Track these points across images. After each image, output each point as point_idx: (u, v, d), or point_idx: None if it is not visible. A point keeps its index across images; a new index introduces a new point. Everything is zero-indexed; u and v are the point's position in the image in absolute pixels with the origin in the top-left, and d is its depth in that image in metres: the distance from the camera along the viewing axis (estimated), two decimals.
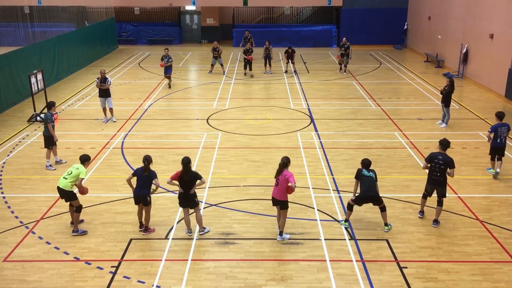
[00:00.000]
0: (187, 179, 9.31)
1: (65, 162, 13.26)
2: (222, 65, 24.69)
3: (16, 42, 25.50)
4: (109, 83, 16.72)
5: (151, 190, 9.59)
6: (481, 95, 20.43)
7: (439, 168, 9.88)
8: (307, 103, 19.22)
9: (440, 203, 10.02)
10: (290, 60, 24.70)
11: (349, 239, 9.57)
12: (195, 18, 36.62)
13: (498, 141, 12.27)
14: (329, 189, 11.73)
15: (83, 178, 9.57)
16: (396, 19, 33.14)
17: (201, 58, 29.65)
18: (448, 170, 9.85)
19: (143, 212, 9.74)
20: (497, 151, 12.35)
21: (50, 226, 10.05)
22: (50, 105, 13.05)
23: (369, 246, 9.34)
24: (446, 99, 15.99)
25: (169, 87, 21.62)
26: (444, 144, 10.12)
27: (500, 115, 12.37)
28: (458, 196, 11.36)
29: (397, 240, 9.54)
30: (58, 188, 9.58)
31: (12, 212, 10.68)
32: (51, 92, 20.29)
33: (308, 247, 9.30)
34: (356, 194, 9.88)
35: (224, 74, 24.53)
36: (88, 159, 9.93)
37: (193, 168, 12.87)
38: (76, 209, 9.72)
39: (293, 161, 13.27)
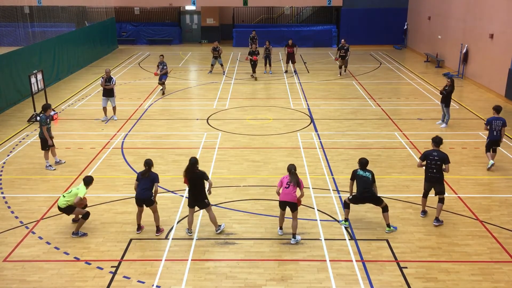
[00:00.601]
0: (189, 178, 9.32)
1: (64, 162, 13.26)
2: (222, 65, 24.68)
3: (16, 42, 25.46)
4: (114, 82, 16.78)
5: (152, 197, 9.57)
6: (481, 95, 20.43)
7: (435, 165, 9.92)
8: (307, 103, 19.22)
9: (440, 200, 10.00)
10: (290, 60, 24.69)
11: (349, 239, 9.57)
12: (195, 18, 36.62)
13: (494, 134, 12.69)
14: (329, 189, 11.73)
15: (80, 197, 9.48)
16: (396, 19, 33.14)
17: (201, 58, 29.65)
18: (444, 166, 9.89)
19: (153, 213, 9.70)
20: (493, 144, 12.80)
21: (50, 226, 10.06)
22: (46, 108, 12.97)
23: (369, 246, 9.34)
24: (446, 99, 15.99)
25: (163, 93, 20.60)
26: (437, 141, 10.18)
27: (497, 109, 12.83)
28: (458, 196, 11.36)
29: (397, 240, 9.54)
30: (59, 207, 9.70)
31: (12, 212, 10.68)
32: (51, 92, 20.29)
33: (308, 247, 9.30)
34: (353, 194, 9.89)
35: (224, 74, 24.53)
36: (91, 181, 9.81)
37: None
38: (83, 216, 9.73)
39: (293, 161, 13.30)
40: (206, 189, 9.58)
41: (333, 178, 12.32)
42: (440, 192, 10.00)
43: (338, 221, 10.17)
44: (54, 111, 17.65)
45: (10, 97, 18.80)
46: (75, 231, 9.74)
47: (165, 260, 8.92)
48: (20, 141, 15.09)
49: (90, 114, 17.82)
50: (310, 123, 16.73)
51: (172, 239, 9.61)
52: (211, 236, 9.68)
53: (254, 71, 23.55)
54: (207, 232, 9.83)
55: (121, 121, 17.01)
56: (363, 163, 9.80)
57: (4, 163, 13.43)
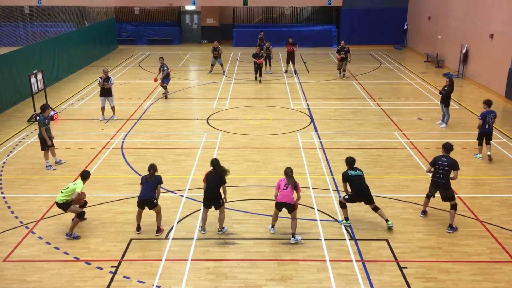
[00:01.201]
0: (216, 179, 9.38)
1: (64, 162, 13.26)
2: (222, 65, 24.68)
3: (16, 42, 25.47)
4: (112, 82, 16.79)
5: (155, 199, 9.58)
6: (481, 95, 20.41)
7: (442, 170, 9.84)
8: (307, 103, 19.22)
9: (453, 207, 9.86)
10: (290, 60, 24.68)
11: (349, 239, 9.57)
12: (195, 18, 36.62)
13: (487, 127, 13.27)
14: (329, 189, 11.73)
15: (78, 192, 9.49)
16: (396, 19, 33.14)
17: (201, 58, 29.65)
18: (452, 173, 9.82)
19: (156, 214, 9.68)
20: (486, 136, 13.39)
21: (50, 226, 10.05)
22: (44, 108, 12.91)
23: (369, 246, 9.34)
24: (446, 99, 15.98)
25: (166, 97, 19.85)
26: (448, 147, 10.11)
27: (488, 103, 13.42)
28: (458, 196, 11.35)
29: (397, 240, 9.54)
30: (56, 204, 9.60)
31: (12, 212, 10.68)
32: (51, 92, 20.29)
33: (308, 247, 9.30)
34: (349, 193, 9.90)
35: (224, 74, 24.53)
36: (88, 176, 9.85)
37: (194, 168, 12.88)
38: (78, 215, 9.71)
39: (293, 161, 13.32)
40: (222, 196, 9.62)
41: (333, 178, 12.32)
42: (449, 198, 9.88)
43: (339, 221, 10.17)
44: (54, 110, 17.67)
45: (10, 97, 18.80)
46: (68, 232, 9.65)
47: (165, 260, 8.92)
48: (20, 141, 15.09)
49: (90, 114, 17.82)
50: (310, 123, 16.73)
51: (172, 239, 9.60)
52: (211, 236, 9.68)
53: (260, 74, 22.75)
54: (208, 232, 9.83)
55: (121, 121, 17.01)
56: (351, 162, 9.91)
57: (4, 163, 13.43)
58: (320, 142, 14.89)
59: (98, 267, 8.70)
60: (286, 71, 25.09)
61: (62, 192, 9.55)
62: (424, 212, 10.49)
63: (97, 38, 29.10)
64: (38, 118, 12.92)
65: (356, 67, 26.27)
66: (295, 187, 9.31)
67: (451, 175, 9.86)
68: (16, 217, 10.44)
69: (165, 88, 19.83)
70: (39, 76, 17.47)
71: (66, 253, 9.12)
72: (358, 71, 25.35)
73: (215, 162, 9.51)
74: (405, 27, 32.89)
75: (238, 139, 15.19)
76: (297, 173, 12.49)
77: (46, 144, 12.79)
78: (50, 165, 12.93)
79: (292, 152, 14.08)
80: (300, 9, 37.34)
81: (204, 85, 22.56)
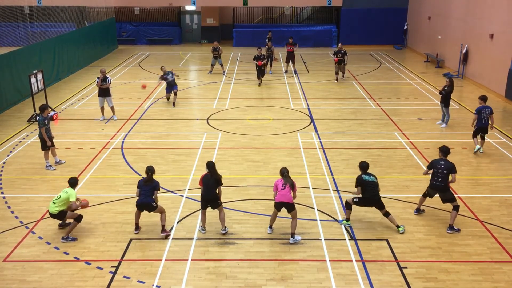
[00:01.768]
0: (212, 181, 9.38)
1: (64, 162, 13.26)
2: (222, 65, 24.69)
3: (16, 42, 25.46)
4: (109, 82, 16.79)
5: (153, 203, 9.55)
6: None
7: (441, 174, 9.84)
8: (307, 103, 19.22)
9: (455, 208, 9.84)
10: (290, 60, 24.68)
11: (349, 239, 9.57)
12: (195, 18, 36.62)
13: (483, 122, 13.73)
14: (329, 189, 11.73)
15: (73, 201, 9.40)
16: (396, 19, 33.14)
17: (201, 58, 29.65)
18: (450, 176, 9.82)
19: (160, 214, 9.68)
20: (482, 131, 13.83)
21: (50, 226, 10.05)
22: (43, 109, 12.86)
23: (369, 246, 9.34)
24: (446, 99, 15.98)
25: (173, 105, 18.77)
26: (445, 150, 10.11)
27: (484, 98, 13.93)
28: (458, 196, 11.34)
29: (397, 240, 9.54)
30: (50, 214, 9.51)
31: (12, 212, 10.68)
32: (51, 92, 20.29)
33: (308, 247, 9.30)
34: (359, 197, 9.79)
35: (224, 74, 24.53)
36: (76, 182, 9.75)
37: (194, 168, 12.89)
38: (76, 219, 9.62)
39: (293, 161, 13.33)
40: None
41: (333, 178, 12.32)
42: (449, 200, 9.89)
43: (338, 221, 10.16)
44: (54, 111, 17.67)
45: (10, 97, 18.80)
46: (65, 235, 9.51)
47: (165, 260, 8.92)
48: (20, 141, 15.09)
49: (90, 114, 17.82)
50: (310, 123, 16.73)
51: (172, 239, 9.60)
52: (211, 236, 9.68)
53: (258, 77, 22.10)
54: (208, 232, 9.82)
55: (121, 121, 17.01)
56: (365, 167, 9.80)
57: (4, 163, 13.43)
58: (320, 142, 14.89)
59: (98, 267, 8.70)
60: (286, 71, 25.09)
61: (54, 203, 9.39)
62: (418, 210, 10.50)
63: (97, 38, 29.10)
64: (37, 118, 12.92)
65: (356, 67, 26.27)
66: (292, 186, 9.34)
67: (450, 178, 9.85)
68: (16, 217, 10.44)
69: (175, 94, 18.92)
70: (39, 76, 17.46)
71: (66, 253, 9.12)
72: (358, 71, 25.35)
73: (210, 165, 9.49)
74: (405, 27, 32.89)
75: (238, 139, 15.19)
76: (297, 173, 12.51)
77: (46, 144, 12.78)
78: (50, 165, 12.93)
79: (292, 152, 14.08)
80: (300, 9, 37.35)
81: (204, 85, 22.56)
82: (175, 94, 18.96)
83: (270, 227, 9.85)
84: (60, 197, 9.41)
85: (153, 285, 8.22)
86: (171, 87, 18.76)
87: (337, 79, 22.79)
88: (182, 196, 11.38)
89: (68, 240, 9.49)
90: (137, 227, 9.82)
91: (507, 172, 12.78)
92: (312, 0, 33.97)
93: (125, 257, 9.00)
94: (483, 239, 9.59)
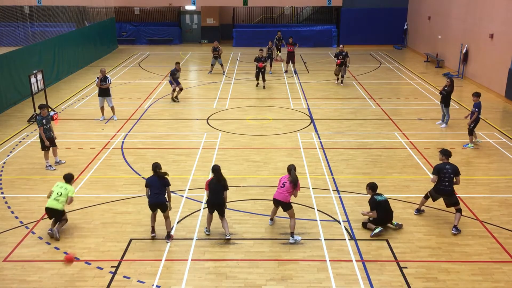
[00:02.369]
0: (218, 186, 9.30)
1: (64, 162, 13.25)
2: (222, 65, 24.69)
3: (16, 42, 25.48)
4: (109, 82, 16.78)
5: (167, 202, 9.46)
6: (481, 95, 20.36)
7: (448, 178, 9.80)
8: (307, 103, 19.22)
9: (458, 210, 9.89)
10: (290, 60, 24.69)
11: (349, 239, 9.57)
12: (195, 18, 36.62)
13: (480, 116, 14.39)
14: (329, 189, 11.72)
15: (72, 197, 9.69)
16: (396, 19, 33.14)
17: (201, 58, 29.66)
18: (455, 178, 9.84)
19: (164, 218, 9.54)
20: (477, 125, 14.40)
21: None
22: (41, 108, 12.85)
23: (369, 246, 9.34)
24: (446, 99, 15.99)
25: (174, 100, 19.50)
26: (448, 154, 10.07)
27: (479, 94, 14.49)
28: (458, 196, 11.32)
29: (397, 240, 9.54)
30: (49, 209, 9.56)
31: (12, 212, 10.68)
32: (51, 92, 20.29)
33: (308, 247, 9.30)
34: (375, 218, 9.84)
35: (224, 74, 24.53)
36: (72, 178, 9.99)
37: (194, 168, 12.89)
38: (66, 218, 9.86)
39: (293, 161, 13.31)
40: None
41: (333, 178, 12.32)
42: (453, 204, 9.92)
43: (372, 234, 9.67)
44: (54, 111, 17.67)
45: (10, 97, 18.80)
46: (55, 228, 9.55)
47: (165, 260, 8.92)
48: (20, 141, 15.09)
49: (90, 114, 17.82)
50: (310, 123, 16.72)
51: (172, 239, 9.60)
52: (211, 236, 9.68)
53: (264, 79, 21.59)
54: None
55: (121, 121, 17.01)
56: (374, 187, 9.90)
57: (4, 163, 13.43)
58: (320, 142, 14.89)
59: (98, 267, 8.70)
60: (286, 71, 25.09)
61: (57, 200, 9.53)
62: (418, 211, 10.52)
63: (97, 38, 29.09)
64: (36, 118, 12.93)
65: (356, 67, 26.27)
66: (295, 185, 9.33)
67: (454, 180, 9.86)
68: (16, 217, 10.44)
69: (181, 89, 19.51)
70: (39, 76, 17.46)
71: (66, 253, 9.10)
72: (358, 71, 25.35)
73: (216, 169, 9.36)
74: (405, 27, 32.90)
75: (238, 139, 15.18)
76: (297, 173, 12.47)
77: (52, 140, 12.82)
78: (50, 165, 12.93)
79: (292, 152, 14.07)
80: (300, 9, 37.35)
81: (204, 85, 22.56)
82: (181, 89, 19.52)
83: (271, 219, 10.06)
84: (61, 194, 9.60)
85: (153, 285, 8.22)
86: (178, 82, 19.43)
87: (337, 80, 22.39)
88: (182, 196, 11.38)
89: (53, 232, 9.47)
90: (153, 230, 9.62)
91: (507, 172, 12.79)
92: (312, 0, 33.97)
93: (125, 257, 9.00)
94: (483, 239, 9.59)
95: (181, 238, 9.62)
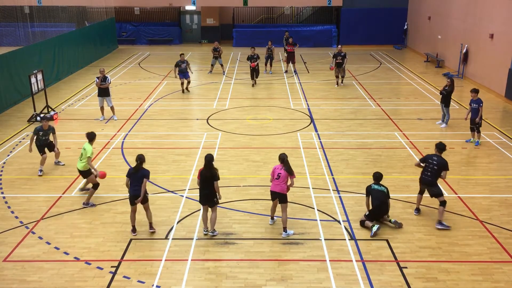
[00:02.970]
0: (203, 175, 9.29)
1: (63, 165, 13.17)
2: (222, 65, 24.70)
3: (16, 42, 25.47)
4: (109, 81, 16.79)
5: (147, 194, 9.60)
6: (481, 95, 20.24)
7: (431, 169, 10.03)
8: (307, 103, 19.22)
9: (441, 203, 9.96)
10: (290, 61, 24.69)
11: (349, 239, 9.57)
12: (195, 18, 36.62)
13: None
14: (329, 189, 11.72)
15: (90, 157, 10.77)
16: (396, 19, 33.13)
17: (201, 58, 29.65)
18: (442, 173, 9.93)
19: (145, 210, 9.73)
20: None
21: (50, 226, 10.06)
22: (43, 119, 12.75)
23: (369, 246, 9.34)
24: (446, 99, 15.99)
25: (184, 91, 20.75)
26: (441, 147, 10.23)
27: (477, 91, 14.59)
28: (458, 196, 11.36)
29: (397, 240, 9.54)
30: (78, 170, 10.96)
31: (12, 212, 10.68)
32: (51, 92, 20.29)
33: (308, 247, 9.30)
34: (369, 210, 9.95)
35: (224, 74, 24.53)
36: (93, 137, 11.20)
37: (194, 168, 12.89)
38: (93, 186, 10.92)
39: (293, 161, 13.29)
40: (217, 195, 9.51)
41: (333, 178, 12.31)
42: (436, 194, 10.03)
43: (371, 233, 9.69)
44: (54, 110, 17.68)
45: (10, 97, 18.80)
46: (85, 202, 10.86)
47: (165, 260, 8.92)
48: (20, 141, 15.08)
49: (90, 114, 17.82)
50: (310, 123, 16.72)
51: (172, 239, 9.60)
52: (211, 236, 9.67)
53: (252, 77, 21.97)
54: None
55: (121, 121, 17.01)
56: (378, 177, 9.94)
57: (4, 163, 13.43)
58: (320, 142, 14.89)
59: (98, 267, 8.70)
60: (286, 71, 25.09)
61: (81, 160, 10.84)
62: (417, 210, 10.56)
63: (97, 38, 29.09)
64: (36, 127, 12.82)
65: (356, 67, 26.27)
66: (290, 173, 9.45)
67: (441, 174, 9.97)
68: (16, 217, 10.44)
69: (188, 82, 21.09)
70: (39, 76, 17.47)
71: (66, 253, 9.12)
72: (358, 71, 25.35)
73: (207, 159, 9.32)
74: (405, 27, 32.89)
75: (238, 139, 15.19)
76: (297, 173, 12.49)
77: (41, 148, 12.75)
78: (40, 170, 12.70)
79: (292, 152, 14.07)
80: (300, 9, 37.34)
81: (204, 85, 22.56)
82: (188, 82, 20.96)
83: (272, 218, 10.07)
84: (82, 154, 10.80)
85: (153, 285, 8.22)
86: (183, 73, 20.58)
87: (337, 83, 22.05)
88: (182, 196, 11.38)
89: (88, 205, 10.82)
90: (134, 229, 9.73)
91: (507, 172, 12.78)
92: (312, 0, 33.97)
93: (125, 257, 9.00)
94: (483, 239, 9.59)
95: (181, 238, 9.63)
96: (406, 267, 8.69)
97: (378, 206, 9.77)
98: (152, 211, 10.38)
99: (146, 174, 9.54)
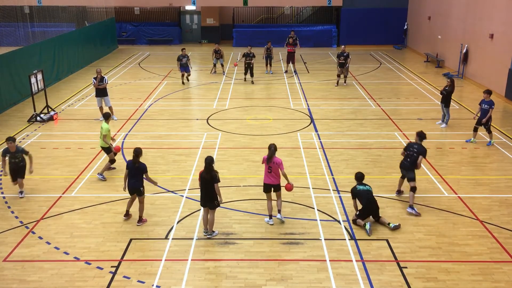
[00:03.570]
0: (203, 178, 9.29)
1: (23, 197, 11.32)
2: (222, 65, 24.71)
3: (16, 42, 25.46)
4: (106, 81, 16.76)
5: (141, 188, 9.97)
6: (481, 95, 20.22)
7: (411, 156, 10.75)
8: (307, 103, 19.21)
9: (412, 189, 10.52)
10: (290, 61, 24.69)
11: (349, 239, 9.57)
12: (195, 18, 36.62)
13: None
14: (329, 189, 11.72)
15: (106, 135, 11.87)
16: (396, 19, 33.13)
17: (201, 58, 29.65)
18: (418, 158, 10.61)
19: (138, 202, 10.06)
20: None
21: (50, 226, 10.05)
22: (8, 140, 11.03)
23: (369, 246, 9.34)
24: (446, 99, 15.99)
25: (183, 82, 22.61)
26: (421, 136, 10.97)
27: (490, 92, 14.64)
28: (458, 196, 11.36)
29: (397, 240, 9.54)
30: (100, 147, 12.35)
31: (12, 212, 10.68)
32: (51, 92, 20.29)
33: (308, 247, 9.30)
34: (359, 209, 10.05)
35: (224, 74, 24.53)
36: (108, 116, 12.41)
37: (194, 168, 12.89)
38: (110, 160, 12.26)
39: (293, 161, 13.33)
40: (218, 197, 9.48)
41: (333, 178, 12.31)
42: (409, 179, 10.68)
43: (367, 230, 9.74)
44: (54, 110, 17.66)
45: (10, 97, 18.80)
46: (100, 172, 12.16)
47: (165, 260, 8.92)
48: (20, 141, 15.07)
49: (90, 114, 17.82)
50: (310, 123, 16.72)
51: (172, 239, 9.60)
52: (211, 236, 9.67)
53: (252, 74, 22.61)
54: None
55: (121, 121, 17.00)
56: (359, 177, 10.15)
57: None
58: (320, 142, 14.89)
59: (98, 267, 8.70)
60: (286, 71, 25.10)
61: (100, 138, 12.08)
62: (398, 192, 11.30)
63: (97, 38, 29.09)
64: (3, 149, 11.55)
65: (356, 67, 26.27)
66: (278, 164, 9.83)
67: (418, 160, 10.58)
68: (16, 217, 10.44)
69: (187, 78, 22.85)
70: (39, 76, 17.46)
71: (66, 253, 9.12)
72: (358, 71, 25.35)
73: (206, 161, 9.31)
74: (405, 27, 32.89)
75: (238, 139, 15.18)
76: (297, 173, 12.52)
77: (13, 174, 11.24)
78: (21, 191, 11.40)
79: (292, 152, 14.07)
80: (300, 9, 37.34)
81: (204, 85, 22.56)
82: (189, 75, 22.57)
83: (270, 217, 10.12)
84: (100, 133, 11.99)
85: (153, 285, 8.22)
86: (184, 67, 22.23)
87: (337, 83, 22.10)
88: (182, 196, 11.38)
89: (100, 177, 12.09)
90: (127, 213, 10.22)
91: (507, 172, 12.78)
92: (312, 0, 33.97)
93: (125, 257, 9.00)
94: (483, 239, 9.59)
95: (181, 238, 9.63)
96: (406, 267, 8.69)
97: (368, 205, 9.89)
98: (152, 211, 10.41)
99: (143, 168, 9.89)
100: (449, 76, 17.32)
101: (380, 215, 10.08)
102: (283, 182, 10.00)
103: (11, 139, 11.05)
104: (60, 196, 11.38)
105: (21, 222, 10.25)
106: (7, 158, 11.30)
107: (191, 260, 8.91)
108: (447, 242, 9.49)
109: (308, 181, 12.16)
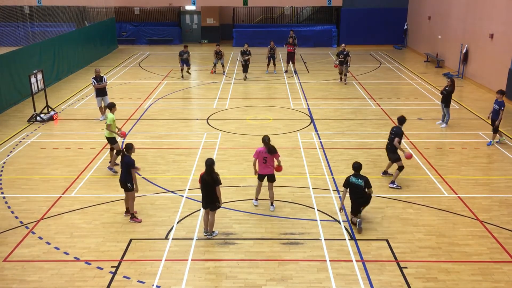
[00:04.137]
0: (208, 180, 9.25)
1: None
2: (223, 65, 24.71)
3: (16, 42, 25.44)
4: (105, 81, 16.77)
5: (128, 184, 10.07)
6: (481, 95, 20.42)
7: (390, 138, 11.79)
8: (307, 103, 19.21)
9: (399, 168, 11.63)
10: (290, 61, 24.70)
11: (349, 239, 9.57)
12: (195, 18, 36.62)
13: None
14: (329, 189, 11.72)
15: (110, 124, 12.07)
16: (396, 19, 33.13)
17: (201, 58, 29.65)
18: (395, 140, 11.47)
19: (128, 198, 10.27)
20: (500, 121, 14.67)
21: (50, 226, 10.06)
22: None
23: (369, 246, 9.34)
24: (446, 99, 15.99)
25: (183, 76, 23.77)
26: (400, 119, 11.89)
27: (504, 92, 14.53)
28: (458, 196, 11.36)
29: (397, 240, 9.54)
30: (105, 137, 12.49)
31: (12, 212, 10.68)
32: (51, 92, 20.29)
33: (308, 247, 9.30)
34: (351, 205, 10.06)
35: (224, 74, 24.53)
36: (112, 106, 12.47)
37: (194, 168, 12.89)
38: (116, 152, 12.20)
39: (293, 161, 13.33)
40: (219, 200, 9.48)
41: (333, 178, 12.31)
42: (394, 160, 11.73)
43: (357, 226, 9.78)
44: (54, 110, 17.67)
45: (10, 97, 18.80)
46: (109, 166, 12.52)
47: (165, 260, 8.92)
48: (20, 141, 15.08)
49: (90, 114, 17.82)
50: (310, 123, 16.72)
51: (172, 239, 9.60)
52: (211, 236, 9.67)
53: (243, 71, 23.43)
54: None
55: (121, 121, 17.00)
56: (355, 167, 9.92)
57: (4, 163, 13.42)
58: (320, 142, 14.89)
59: (98, 267, 8.70)
60: (286, 71, 25.10)
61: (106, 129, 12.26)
62: (385, 172, 12.32)
63: (97, 38, 29.09)
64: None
65: (356, 67, 26.27)
66: (271, 152, 10.09)
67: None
68: (16, 217, 10.44)
69: (188, 73, 24.26)
70: (39, 76, 17.46)
71: (66, 253, 9.12)
72: (358, 71, 25.35)
73: (207, 163, 9.29)
74: (405, 27, 32.89)
75: (238, 139, 15.18)
76: (297, 173, 12.52)
77: None
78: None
79: (292, 152, 14.07)
80: (300, 9, 37.34)
81: (204, 85, 22.56)
82: (189, 68, 24.08)
83: (256, 199, 10.70)
84: (106, 123, 12.16)
85: (153, 285, 8.22)
86: (184, 62, 23.53)
87: (341, 79, 22.68)
88: (182, 196, 11.38)
89: (111, 171, 12.41)
90: (127, 211, 10.36)
91: (507, 172, 12.78)
92: (312, 0, 33.97)
93: (125, 257, 9.00)
94: (483, 239, 9.59)
95: (181, 238, 9.63)
96: (406, 267, 8.69)
97: (355, 200, 9.89)
98: (152, 211, 10.40)
99: (129, 162, 10.03)
100: (449, 76, 17.32)
101: (361, 214, 10.01)
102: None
103: None
104: (60, 196, 11.39)
105: (21, 222, 10.26)
106: None
107: (191, 260, 8.91)
108: (447, 242, 9.49)
109: (308, 181, 12.16)
